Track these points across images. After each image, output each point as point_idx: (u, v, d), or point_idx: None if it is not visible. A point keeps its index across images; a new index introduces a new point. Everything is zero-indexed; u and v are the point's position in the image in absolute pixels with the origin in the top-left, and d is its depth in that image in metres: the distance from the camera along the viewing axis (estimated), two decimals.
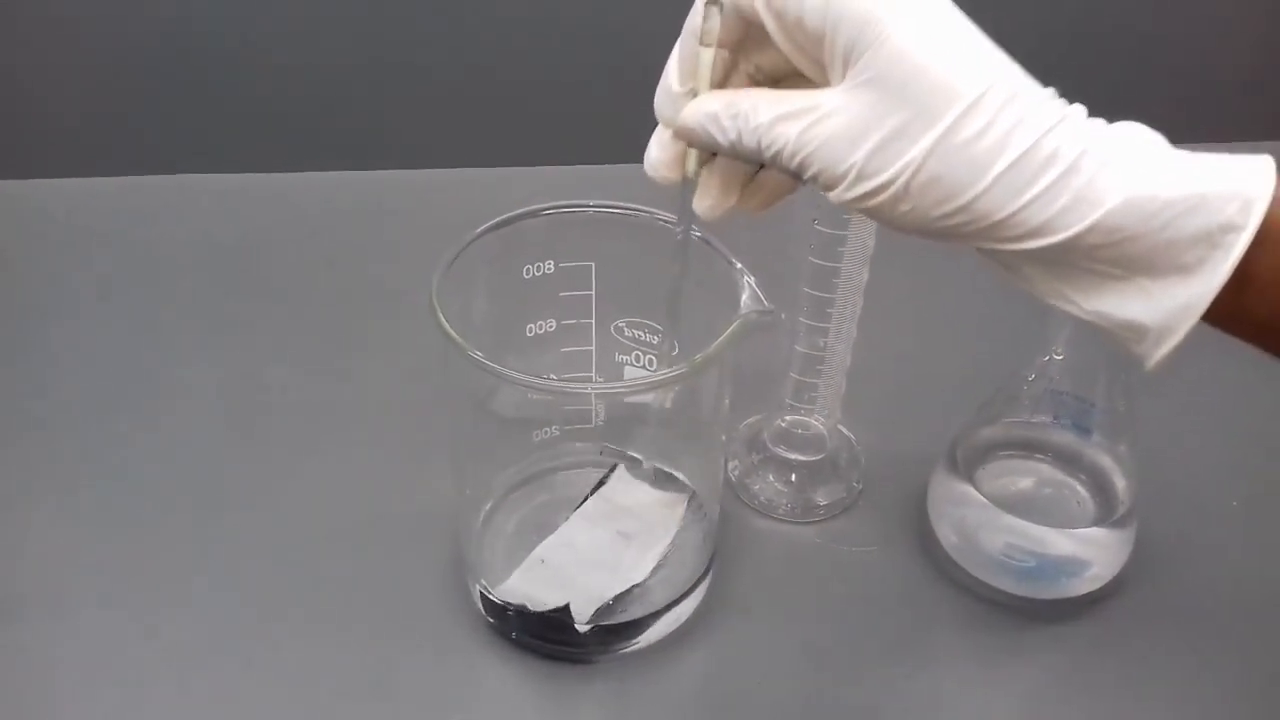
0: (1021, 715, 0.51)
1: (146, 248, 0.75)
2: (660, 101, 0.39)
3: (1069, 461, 0.55)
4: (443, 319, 0.43)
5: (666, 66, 0.38)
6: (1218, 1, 1.06)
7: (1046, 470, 0.56)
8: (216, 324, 0.69)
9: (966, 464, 0.54)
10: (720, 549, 0.54)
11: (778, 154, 0.35)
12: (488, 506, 0.54)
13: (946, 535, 0.55)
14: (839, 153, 0.34)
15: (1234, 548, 0.57)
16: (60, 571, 0.54)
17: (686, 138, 0.38)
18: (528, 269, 0.49)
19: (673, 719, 0.50)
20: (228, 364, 0.66)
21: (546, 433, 0.53)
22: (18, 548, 0.55)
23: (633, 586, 0.50)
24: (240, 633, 0.52)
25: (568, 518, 0.53)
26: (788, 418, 0.59)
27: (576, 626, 0.49)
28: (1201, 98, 1.03)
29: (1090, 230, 0.33)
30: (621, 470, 0.55)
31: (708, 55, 0.37)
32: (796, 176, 0.36)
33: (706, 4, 0.36)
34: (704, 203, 0.39)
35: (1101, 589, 0.53)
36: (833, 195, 0.35)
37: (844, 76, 0.34)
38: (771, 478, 0.59)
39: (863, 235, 0.50)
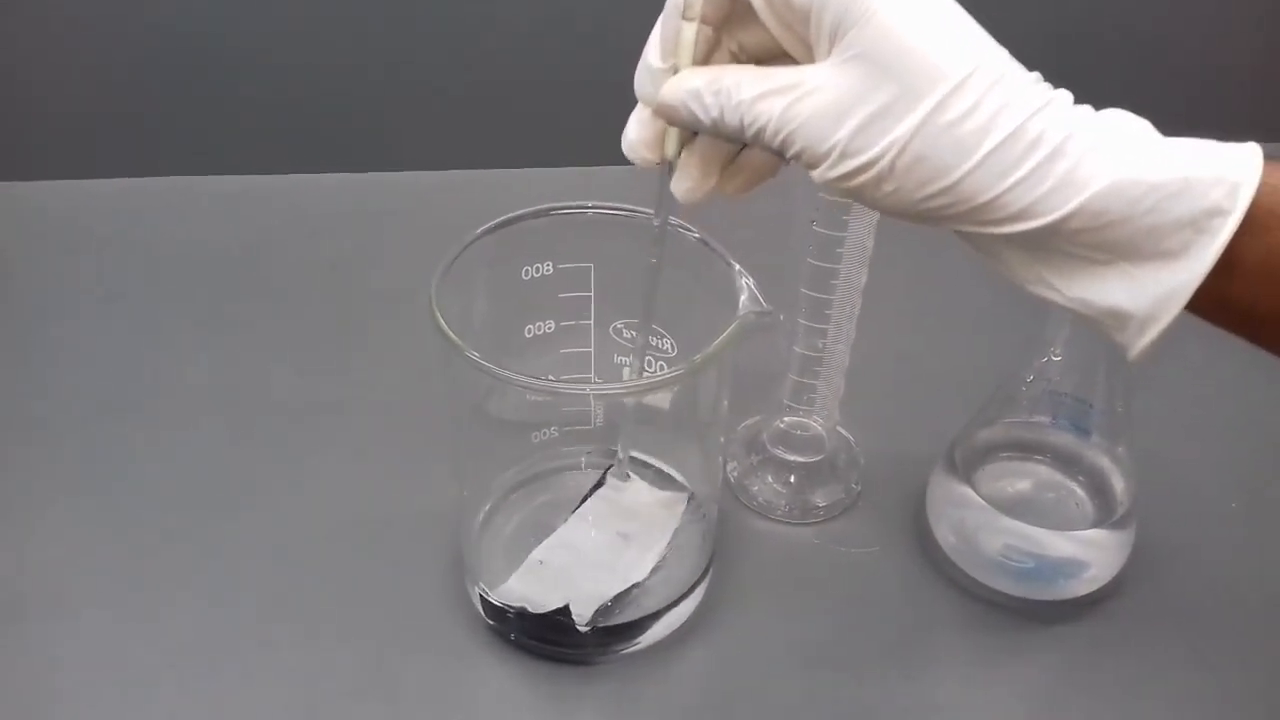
0: (1020, 716, 0.51)
1: (147, 250, 0.75)
2: (640, 78, 0.38)
3: (1068, 463, 0.55)
4: (441, 321, 0.43)
5: (648, 43, 0.37)
6: (1218, 1, 1.06)
7: (1045, 472, 0.56)
8: (216, 325, 0.69)
9: (965, 465, 0.54)
10: (719, 550, 0.54)
11: (760, 131, 0.34)
12: (487, 507, 0.54)
13: (945, 536, 0.55)
14: (823, 130, 0.33)
15: (1233, 549, 0.57)
16: (60, 573, 0.54)
17: (667, 115, 0.37)
18: (527, 270, 0.49)
19: None
20: (228, 365, 0.66)
21: (545, 434, 0.53)
22: (19, 549, 0.55)
23: (631, 587, 0.50)
24: (240, 634, 0.52)
25: (566, 518, 0.53)
26: (786, 419, 0.59)
27: (577, 627, 0.49)
28: (1202, 97, 1.03)
29: (1075, 214, 0.32)
30: (620, 470, 0.55)
31: (690, 30, 0.36)
32: (779, 155, 0.35)
33: None
34: (683, 185, 0.38)
35: (1100, 590, 0.53)
36: (816, 174, 0.34)
37: (829, 53, 0.33)
38: (770, 479, 0.59)
39: (861, 236, 0.50)
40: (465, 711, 0.49)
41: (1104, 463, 0.54)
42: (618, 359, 0.52)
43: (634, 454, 0.55)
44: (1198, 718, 0.50)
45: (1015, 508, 0.53)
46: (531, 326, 0.51)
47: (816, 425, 0.59)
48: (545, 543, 0.52)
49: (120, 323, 0.69)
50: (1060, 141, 0.32)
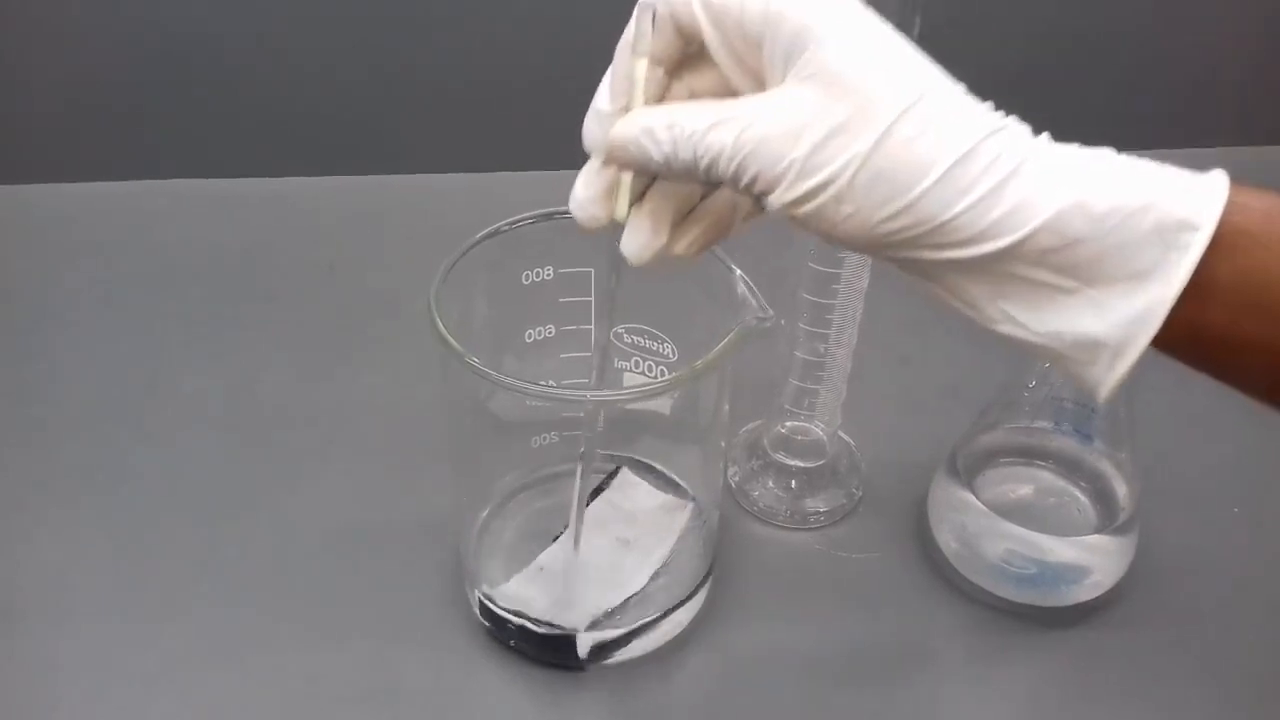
0: None
1: (145, 252, 0.74)
2: (588, 127, 0.37)
3: (1070, 468, 0.55)
4: (441, 326, 0.43)
5: (597, 92, 0.36)
6: (1217, 3, 1.06)
7: (1047, 477, 0.55)
8: (214, 329, 0.69)
9: (967, 470, 0.54)
10: (719, 555, 0.54)
11: (714, 161, 0.33)
12: (485, 512, 0.54)
13: (947, 542, 0.54)
14: (780, 149, 0.32)
15: (1236, 555, 0.56)
16: (59, 578, 0.54)
17: (618, 156, 0.35)
18: (527, 275, 0.49)
19: None
20: (226, 368, 0.66)
21: (545, 439, 0.53)
22: (16, 554, 0.55)
23: (631, 596, 0.50)
24: (239, 639, 0.51)
25: (567, 524, 0.53)
26: (788, 424, 0.59)
27: (579, 651, 0.49)
28: (1202, 99, 1.03)
29: (1038, 233, 0.31)
30: (624, 474, 0.54)
31: (642, 66, 0.35)
32: (733, 186, 0.34)
33: (639, 8, 0.35)
34: (634, 242, 0.37)
35: (1102, 596, 0.53)
36: (772, 198, 0.33)
37: (784, 79, 0.33)
38: (771, 484, 0.59)
39: None
40: (464, 716, 0.49)
41: (1106, 468, 0.54)
42: (618, 364, 0.51)
43: (636, 458, 0.55)
44: None
45: (1017, 513, 0.52)
46: (532, 331, 0.51)
47: (818, 430, 0.58)
48: (548, 549, 0.52)
49: (117, 325, 0.69)
50: (1019, 162, 0.32)
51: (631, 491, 0.54)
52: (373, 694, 0.49)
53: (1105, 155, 0.33)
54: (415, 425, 0.59)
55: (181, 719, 0.49)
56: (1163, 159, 0.33)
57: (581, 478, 0.46)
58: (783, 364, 0.55)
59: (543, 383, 0.44)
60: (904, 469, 0.59)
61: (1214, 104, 1.03)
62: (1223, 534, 0.58)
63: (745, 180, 0.33)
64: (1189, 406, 0.62)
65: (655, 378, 0.50)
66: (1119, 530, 0.53)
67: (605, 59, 0.36)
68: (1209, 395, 0.64)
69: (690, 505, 0.54)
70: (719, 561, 0.54)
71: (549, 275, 0.49)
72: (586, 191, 0.37)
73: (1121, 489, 0.53)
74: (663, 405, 0.48)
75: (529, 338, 0.51)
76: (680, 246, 0.38)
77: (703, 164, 0.34)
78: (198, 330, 0.69)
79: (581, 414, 0.46)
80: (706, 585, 0.53)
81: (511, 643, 0.51)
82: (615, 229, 0.37)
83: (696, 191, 0.38)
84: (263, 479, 0.59)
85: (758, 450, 0.60)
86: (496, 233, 0.48)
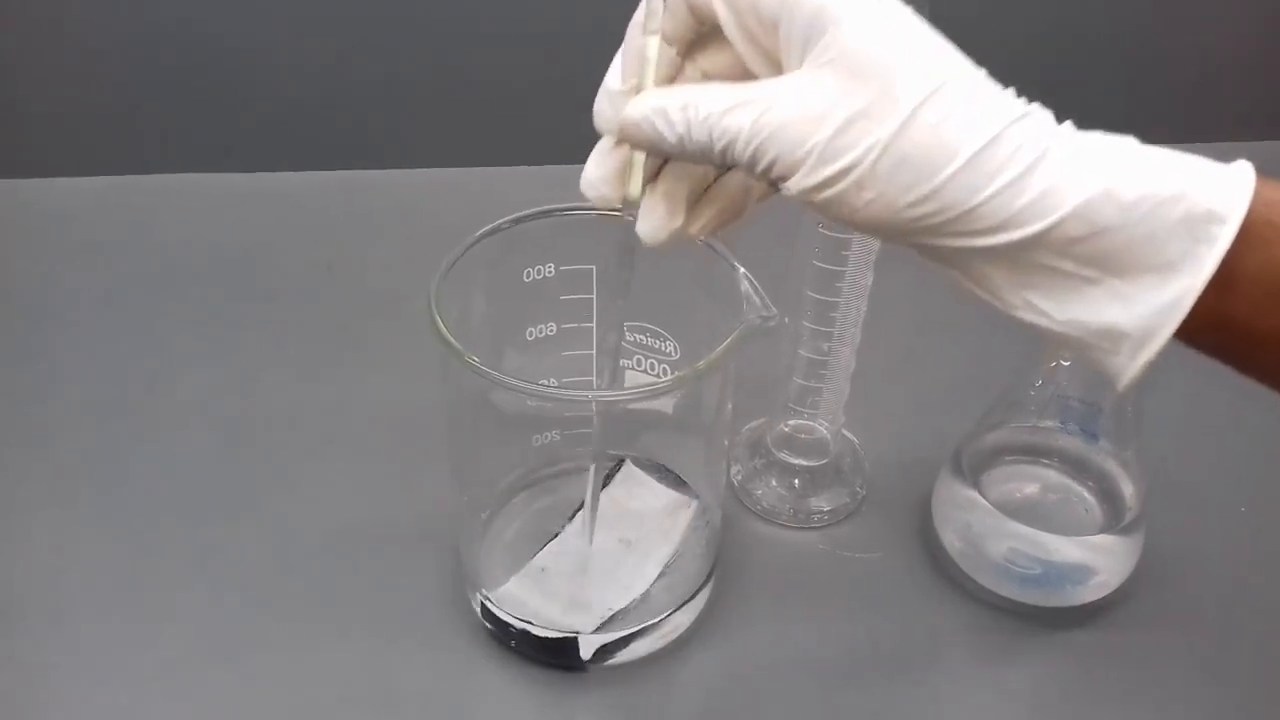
0: None
1: (143, 247, 0.74)
2: (600, 106, 0.36)
3: (1076, 467, 0.55)
4: (441, 325, 0.43)
5: (609, 70, 0.36)
6: (1217, 2, 1.05)
7: (1053, 476, 0.55)
8: (213, 326, 0.69)
9: (972, 469, 0.54)
10: (722, 555, 0.54)
11: (731, 144, 0.33)
12: (486, 513, 0.54)
13: (951, 541, 0.54)
14: (800, 134, 0.32)
15: (1242, 555, 0.56)
16: (58, 578, 0.54)
17: (630, 135, 0.34)
18: (528, 272, 0.49)
19: None
20: (225, 366, 0.65)
21: (546, 437, 0.52)
22: (15, 554, 0.55)
23: (637, 597, 0.50)
24: (239, 639, 0.51)
25: (568, 523, 0.52)
26: (791, 422, 0.58)
27: (581, 652, 0.49)
28: (1201, 98, 1.02)
29: (1066, 220, 0.31)
30: (626, 470, 0.54)
31: (654, 44, 0.35)
32: (750, 170, 0.33)
33: None
34: (648, 224, 0.36)
35: (1108, 596, 0.52)
36: (790, 184, 0.33)
37: (801, 63, 0.32)
38: (774, 483, 0.58)
39: (868, 238, 0.50)
40: (464, 717, 0.49)
41: (1112, 467, 0.54)
42: (620, 362, 0.51)
43: (639, 456, 0.54)
44: None
45: (1022, 512, 0.52)
46: (533, 329, 0.50)
47: (821, 429, 0.58)
48: (547, 548, 0.51)
49: (115, 322, 0.68)
50: (1045, 149, 0.31)
51: (636, 487, 0.54)
52: (373, 695, 0.49)
53: (1129, 144, 0.32)
54: (415, 425, 0.59)
55: (181, 719, 0.49)
56: None
57: (593, 482, 0.46)
58: (786, 362, 0.55)
59: (544, 381, 0.44)
60: (908, 468, 0.58)
61: (1215, 98, 1.03)
62: (1229, 534, 0.57)
63: (763, 165, 0.33)
64: (1196, 406, 0.61)
65: (658, 376, 0.50)
66: (1125, 530, 0.52)
67: (607, 55, 0.36)
68: (1216, 394, 0.64)
69: (694, 504, 0.53)
70: (721, 561, 0.54)
71: (550, 272, 0.49)
72: (598, 171, 0.37)
73: (1128, 488, 0.53)
74: (665, 404, 0.48)
75: (530, 335, 0.50)
76: (695, 228, 0.38)
77: (718, 146, 0.33)
78: (195, 327, 0.69)
79: (583, 412, 0.46)
80: (709, 585, 0.53)
81: (512, 644, 0.50)
82: (627, 210, 0.37)
83: (710, 172, 0.37)
84: (262, 479, 0.59)
85: (761, 449, 0.59)
86: (497, 230, 0.47)
